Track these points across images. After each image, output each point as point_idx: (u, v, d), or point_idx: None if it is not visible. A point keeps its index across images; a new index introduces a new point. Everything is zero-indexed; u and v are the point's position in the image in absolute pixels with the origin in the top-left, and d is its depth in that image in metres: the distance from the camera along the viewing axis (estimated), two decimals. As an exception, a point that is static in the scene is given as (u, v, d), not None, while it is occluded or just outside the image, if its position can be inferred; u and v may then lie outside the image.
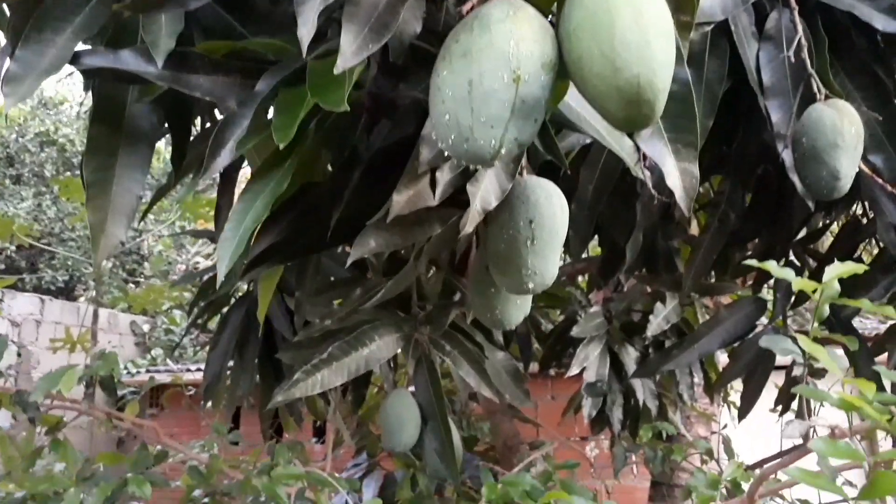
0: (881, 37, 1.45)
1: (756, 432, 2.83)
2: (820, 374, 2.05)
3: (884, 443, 2.94)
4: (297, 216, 1.29)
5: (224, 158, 1.07)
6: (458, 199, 1.14)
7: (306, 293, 1.83)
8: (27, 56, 1.09)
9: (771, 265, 1.17)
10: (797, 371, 1.88)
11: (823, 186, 1.30)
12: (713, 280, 2.49)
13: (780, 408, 2.41)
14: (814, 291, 1.18)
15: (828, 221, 2.38)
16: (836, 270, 1.13)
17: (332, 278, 2.16)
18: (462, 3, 0.91)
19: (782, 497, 2.27)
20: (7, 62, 1.10)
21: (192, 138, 1.47)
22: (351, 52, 0.88)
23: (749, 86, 1.42)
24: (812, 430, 1.26)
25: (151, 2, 1.08)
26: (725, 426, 3.21)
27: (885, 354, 2.01)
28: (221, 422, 2.81)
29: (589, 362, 2.71)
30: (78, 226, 11.32)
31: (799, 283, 1.17)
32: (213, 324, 2.95)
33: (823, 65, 1.39)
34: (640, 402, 2.75)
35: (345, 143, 1.26)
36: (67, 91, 13.41)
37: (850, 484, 1.56)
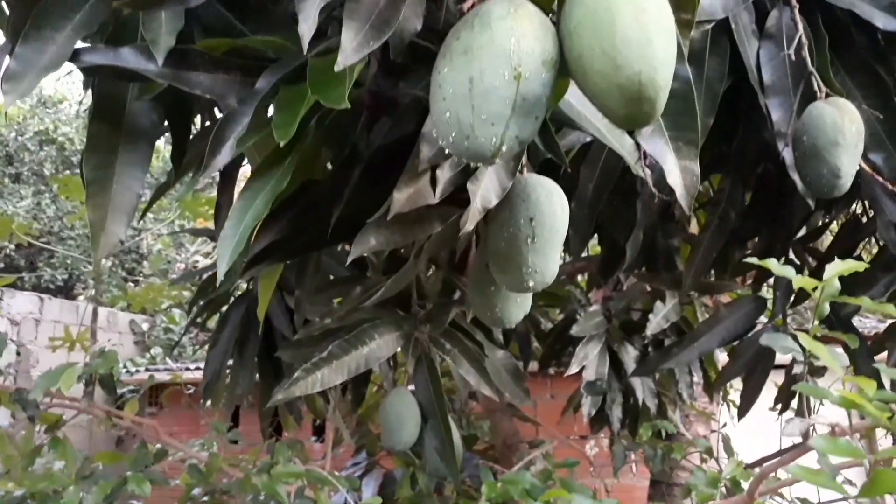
0: (881, 35, 1.45)
1: (755, 431, 2.83)
2: (819, 372, 2.06)
3: (883, 441, 2.95)
4: (297, 214, 1.28)
5: (224, 156, 1.07)
6: (458, 198, 1.14)
7: (306, 291, 1.82)
8: (27, 53, 1.09)
9: (772, 263, 1.17)
10: (797, 369, 1.88)
11: (824, 185, 1.29)
12: (713, 279, 2.49)
13: (779, 406, 2.42)
14: (814, 289, 1.18)
15: (827, 220, 2.38)
16: (837, 268, 1.13)
17: (332, 277, 2.16)
18: (463, 1, 0.91)
19: (781, 496, 2.27)
20: (7, 59, 1.10)
21: (192, 136, 1.47)
22: (352, 48, 0.88)
23: (749, 84, 1.42)
24: (812, 428, 1.26)
25: (151, -1, 1.07)
26: (725, 425, 3.21)
27: (885, 353, 2.01)
28: (221, 420, 2.81)
29: (588, 361, 2.71)
30: (77, 224, 11.31)
31: (800, 280, 1.17)
32: (212, 322, 2.95)
33: (824, 63, 1.39)
34: (640, 401, 2.75)
35: (345, 141, 1.26)
36: (66, 90, 13.41)
37: (850, 483, 1.56)
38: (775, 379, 2.25)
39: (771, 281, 2.21)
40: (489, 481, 2.01)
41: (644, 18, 0.77)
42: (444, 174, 1.09)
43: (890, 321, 2.00)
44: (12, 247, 11.11)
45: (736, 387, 2.77)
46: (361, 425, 3.22)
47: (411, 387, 1.91)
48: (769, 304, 2.08)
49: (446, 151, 0.88)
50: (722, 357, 3.34)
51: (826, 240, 2.55)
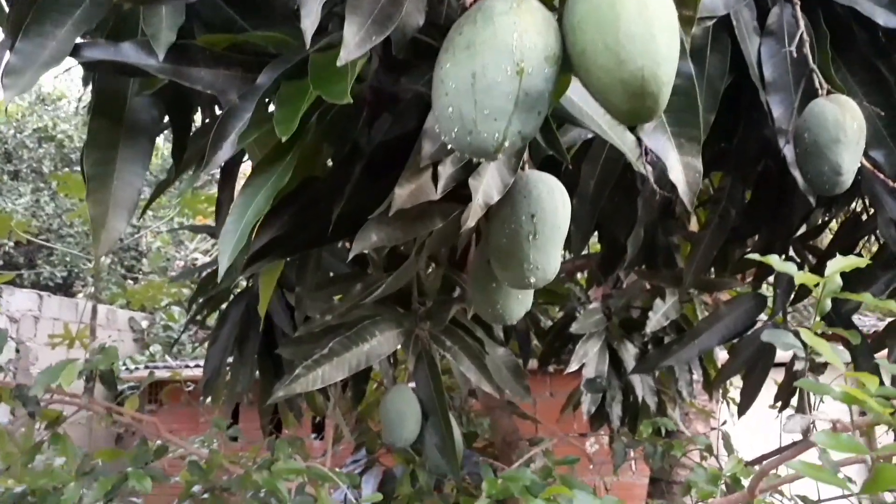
0: (882, 32, 1.45)
1: (755, 429, 2.84)
2: (820, 369, 2.06)
3: (883, 438, 2.95)
4: (298, 210, 1.28)
5: (225, 151, 1.07)
6: (459, 194, 1.14)
7: (307, 288, 1.82)
8: (27, 48, 1.09)
9: (773, 259, 1.17)
10: (798, 366, 1.88)
11: (825, 182, 1.29)
12: (713, 276, 2.49)
13: (779, 404, 2.42)
14: (816, 286, 1.18)
15: (827, 218, 2.38)
16: (839, 264, 1.13)
17: (333, 273, 2.15)
18: (465, -4, 0.91)
19: (781, 493, 2.27)
20: (7, 55, 1.10)
21: (192, 132, 1.47)
22: (354, 43, 0.88)
23: (750, 81, 1.42)
24: (812, 424, 1.26)
25: (152, -6, 1.07)
26: (725, 423, 3.22)
27: (885, 351, 2.01)
28: (221, 418, 2.81)
29: (588, 359, 2.71)
30: (76, 222, 11.31)
31: (801, 277, 1.17)
32: (211, 320, 2.95)
33: (825, 60, 1.38)
34: (640, 399, 2.75)
35: (346, 138, 1.25)
36: (65, 87, 13.40)
37: (850, 480, 1.56)
38: (775, 377, 2.26)
39: (771, 279, 2.21)
40: (489, 478, 2.01)
41: (648, 13, 0.77)
42: (446, 170, 1.09)
43: (889, 319, 2.00)
44: (11, 244, 11.11)
45: (736, 384, 2.77)
46: (361, 422, 3.22)
47: (412, 384, 1.91)
48: (769, 302, 2.08)
49: (448, 147, 0.88)
50: (721, 355, 3.34)
51: (826, 238, 2.56)
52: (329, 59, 0.98)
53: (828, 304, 1.21)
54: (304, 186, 1.27)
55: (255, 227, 1.08)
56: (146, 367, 8.39)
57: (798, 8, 1.36)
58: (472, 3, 0.89)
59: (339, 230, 1.25)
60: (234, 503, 2.35)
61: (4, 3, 1.58)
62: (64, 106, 13.02)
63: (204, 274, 2.72)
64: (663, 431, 2.75)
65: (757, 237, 2.16)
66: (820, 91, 1.32)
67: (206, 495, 2.38)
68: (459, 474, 1.96)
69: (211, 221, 4.49)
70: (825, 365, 2.11)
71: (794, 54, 1.35)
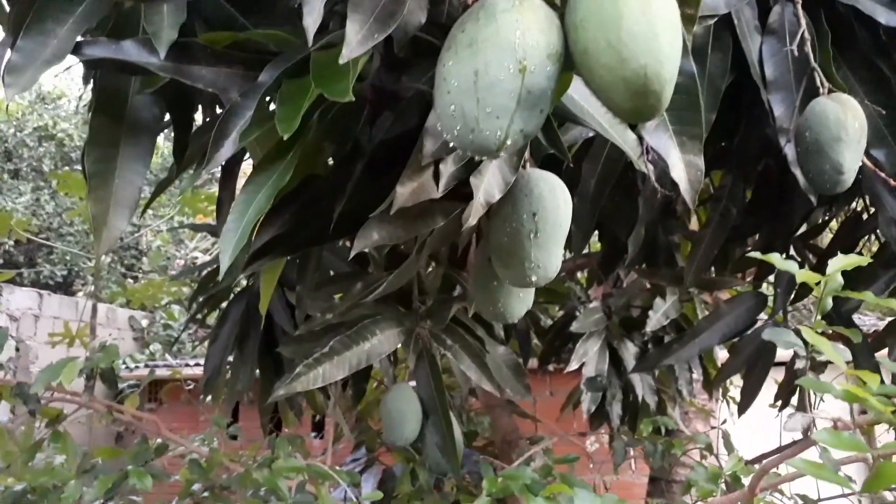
0: (884, 30, 1.45)
1: (755, 428, 2.84)
2: (820, 368, 2.06)
3: (884, 437, 2.95)
4: (299, 209, 1.28)
5: (227, 149, 1.07)
6: (461, 192, 1.14)
7: (307, 287, 1.82)
8: (29, 46, 1.09)
9: (775, 257, 1.17)
10: (799, 364, 1.88)
11: (826, 181, 1.29)
12: (713, 275, 2.49)
13: (779, 403, 2.42)
14: (817, 284, 1.18)
15: (827, 217, 2.38)
16: (840, 263, 1.13)
17: (333, 272, 2.15)
18: (467, -6, 0.91)
19: (781, 492, 2.27)
20: (8, 53, 1.10)
21: (193, 130, 1.47)
22: (357, 41, 0.88)
23: (752, 80, 1.42)
24: (812, 423, 1.26)
25: (154, -8, 1.07)
26: (725, 422, 3.22)
27: (885, 350, 2.01)
28: (221, 416, 2.81)
29: (588, 357, 2.71)
30: (76, 220, 11.31)
31: (803, 275, 1.17)
32: (211, 319, 2.95)
33: (826, 58, 1.38)
34: (640, 398, 2.75)
35: (347, 136, 1.25)
36: (65, 86, 13.40)
37: (850, 479, 1.56)
38: (775, 376, 2.26)
39: (771, 278, 2.21)
40: (490, 476, 2.01)
41: (650, 12, 0.77)
42: (448, 168, 1.09)
43: (889, 319, 2.00)
44: (11, 243, 11.11)
45: (735, 383, 2.77)
46: (361, 421, 3.22)
47: (412, 382, 1.91)
48: (769, 301, 2.08)
49: (451, 145, 0.88)
50: (721, 354, 3.35)
51: (826, 237, 2.56)
52: (331, 57, 0.98)
53: (829, 302, 1.21)
54: (305, 185, 1.27)
55: (257, 226, 1.08)
56: (146, 366, 8.40)
57: (799, 7, 1.36)
58: (474, 0, 0.89)
59: (340, 228, 1.24)
60: (234, 501, 2.35)
61: (5, 2, 1.58)
62: (64, 105, 13.02)
63: (204, 272, 2.72)
64: (663, 430, 2.76)
65: (757, 236, 2.16)
66: (821, 90, 1.32)
67: (205, 493, 2.38)
68: (460, 473, 1.96)
69: (211, 220, 4.50)
70: (826, 364, 2.10)
71: (796, 53, 1.35)
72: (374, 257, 2.03)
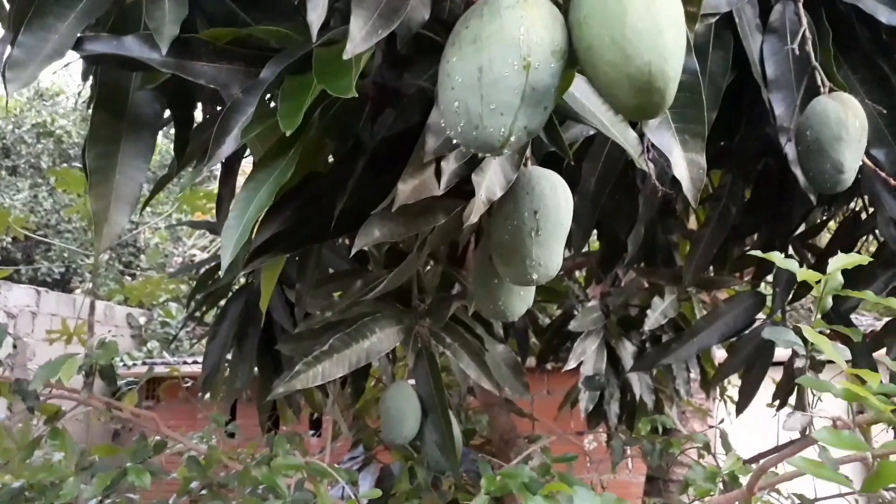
0: (885, 30, 1.45)
1: (753, 427, 2.84)
2: (819, 367, 2.06)
3: (883, 436, 2.95)
4: (300, 206, 1.28)
5: (229, 146, 1.06)
6: (462, 190, 1.14)
7: (307, 285, 1.82)
8: (30, 42, 1.09)
9: (775, 256, 1.17)
10: (798, 363, 1.89)
11: (827, 180, 1.29)
12: (711, 274, 2.50)
13: (777, 403, 2.42)
14: (817, 283, 1.18)
15: (826, 217, 2.39)
16: (840, 262, 1.13)
17: (333, 270, 2.15)
18: (470, -10, 0.91)
19: (778, 492, 2.28)
20: (9, 49, 1.10)
21: (194, 127, 1.46)
22: (361, 37, 0.88)
23: (753, 78, 1.42)
24: (811, 422, 1.26)
25: (156, -12, 1.07)
26: (722, 421, 3.22)
27: (883, 350, 2.01)
28: (219, 414, 2.80)
29: (586, 356, 2.72)
30: (74, 217, 11.29)
31: (803, 274, 1.17)
32: (209, 316, 2.95)
33: (827, 58, 1.39)
34: (637, 397, 2.76)
35: (349, 133, 1.25)
36: (64, 82, 13.37)
37: (847, 479, 1.57)
38: (773, 375, 2.26)
39: (769, 277, 2.21)
40: (488, 475, 2.01)
41: (654, 9, 0.77)
42: (449, 166, 1.09)
43: (887, 319, 2.00)
44: (9, 240, 11.09)
45: (733, 383, 2.77)
46: (359, 419, 3.22)
47: (411, 381, 1.91)
48: (768, 301, 2.08)
49: (454, 142, 0.88)
50: (719, 353, 3.35)
51: (824, 237, 2.56)
52: (333, 53, 0.98)
53: (829, 301, 1.21)
54: (306, 182, 1.27)
55: (258, 223, 1.07)
56: (144, 364, 8.38)
57: (800, 5, 1.36)
58: (477, -4, 0.88)
59: (341, 226, 1.24)
60: (232, 499, 2.35)
61: (5, 1, 1.58)
62: (62, 101, 13.00)
63: (202, 270, 2.72)
64: (660, 429, 2.76)
65: (757, 235, 2.16)
66: (822, 89, 1.33)
67: (204, 491, 2.38)
68: (459, 471, 1.96)
69: (209, 217, 4.49)
70: (824, 363, 2.11)
71: (797, 52, 1.35)
72: (373, 255, 2.03)
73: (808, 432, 1.40)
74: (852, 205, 2.26)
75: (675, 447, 2.71)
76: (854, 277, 1.47)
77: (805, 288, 1.95)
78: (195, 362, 7.14)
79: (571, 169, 1.44)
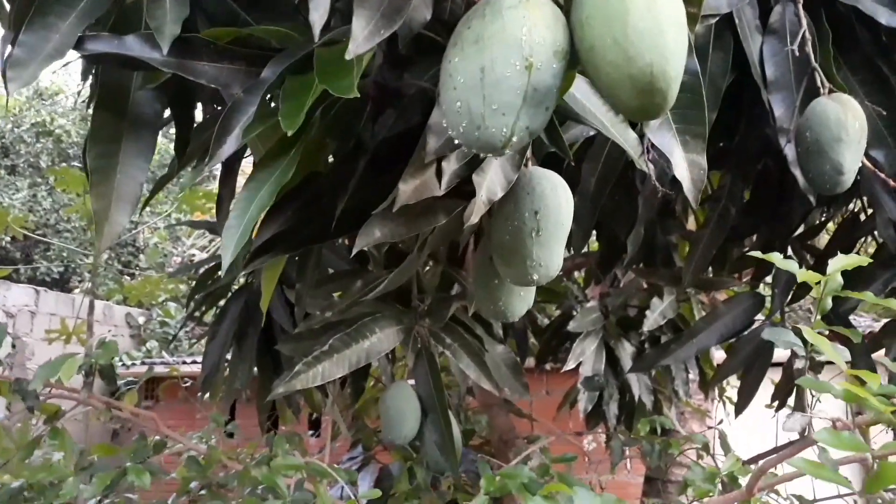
0: (884, 31, 1.46)
1: (752, 428, 2.84)
2: (818, 369, 2.06)
3: (882, 437, 2.96)
4: (301, 206, 1.28)
5: (230, 146, 1.06)
6: (463, 190, 1.14)
7: (307, 285, 1.82)
8: (31, 41, 1.09)
9: (775, 257, 1.18)
10: (798, 364, 1.89)
11: (826, 181, 1.30)
12: (710, 275, 2.50)
13: (776, 403, 2.42)
14: (817, 284, 1.19)
15: (825, 218, 2.39)
16: (840, 262, 1.13)
17: (333, 270, 2.15)
18: (472, -9, 0.91)
19: (777, 493, 2.28)
20: (10, 48, 1.10)
21: (195, 126, 1.47)
22: (363, 37, 0.88)
23: (752, 79, 1.42)
24: (810, 423, 1.26)
25: (157, -13, 1.07)
26: (721, 422, 3.23)
27: (882, 351, 2.01)
28: (219, 414, 2.80)
29: (585, 357, 2.72)
30: (73, 217, 11.28)
31: (803, 274, 1.18)
32: (209, 316, 2.94)
33: (827, 59, 1.39)
34: (636, 398, 2.76)
35: (350, 133, 1.25)
36: (63, 82, 13.36)
37: (847, 480, 1.57)
38: (771, 376, 2.26)
39: (768, 279, 2.21)
40: (487, 475, 2.01)
41: (656, 9, 0.77)
42: (450, 166, 1.09)
43: (885, 320, 2.01)
44: (8, 239, 11.08)
45: (732, 384, 2.77)
46: (358, 419, 3.23)
47: (410, 381, 1.91)
48: (767, 302, 2.08)
49: (455, 142, 0.88)
50: (718, 354, 3.35)
51: (823, 238, 2.56)
52: (335, 53, 0.98)
53: (829, 302, 1.22)
54: (307, 182, 1.27)
55: (259, 223, 1.08)
56: (143, 363, 8.37)
57: (800, 7, 1.37)
58: (479, -3, 0.89)
59: (342, 226, 1.24)
60: (231, 499, 2.35)
61: (6, 1, 1.58)
62: (62, 101, 12.99)
63: (202, 270, 2.72)
64: (659, 430, 2.76)
65: (756, 236, 2.17)
66: (822, 90, 1.33)
67: (203, 491, 2.37)
68: (458, 471, 1.96)
69: (209, 217, 4.49)
70: (823, 364, 2.11)
71: (796, 53, 1.35)
72: (373, 255, 2.03)
73: (807, 433, 1.39)
74: (851, 206, 2.27)
75: (673, 448, 2.71)
76: (853, 278, 1.48)
77: (804, 289, 1.95)
78: (194, 362, 7.14)
79: (571, 169, 1.44)
